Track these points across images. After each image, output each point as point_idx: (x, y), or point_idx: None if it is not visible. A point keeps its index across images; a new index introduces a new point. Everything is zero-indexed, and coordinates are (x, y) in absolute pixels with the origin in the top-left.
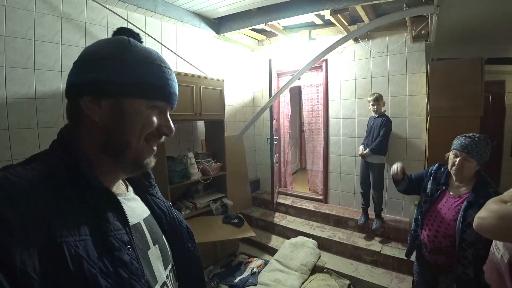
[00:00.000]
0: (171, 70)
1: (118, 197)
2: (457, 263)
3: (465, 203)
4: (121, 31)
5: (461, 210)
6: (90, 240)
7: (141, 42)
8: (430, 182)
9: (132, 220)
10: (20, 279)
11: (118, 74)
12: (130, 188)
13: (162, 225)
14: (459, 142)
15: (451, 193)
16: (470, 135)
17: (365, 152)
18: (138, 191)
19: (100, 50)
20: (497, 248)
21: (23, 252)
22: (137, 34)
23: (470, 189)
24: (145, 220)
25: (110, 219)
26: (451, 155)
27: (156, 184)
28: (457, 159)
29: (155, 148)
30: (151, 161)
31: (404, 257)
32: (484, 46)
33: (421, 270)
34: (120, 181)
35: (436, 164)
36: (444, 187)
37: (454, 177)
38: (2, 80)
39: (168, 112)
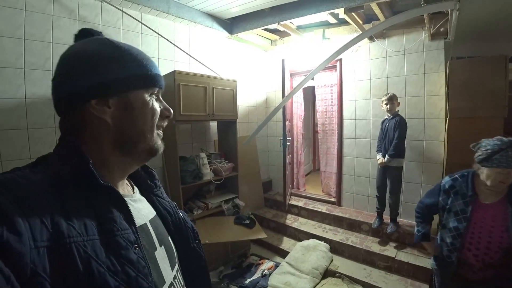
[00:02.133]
0: (144, 54)
1: (125, 198)
2: None
3: (510, 209)
4: (85, 33)
5: (510, 217)
6: (98, 240)
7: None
8: (452, 199)
9: (139, 221)
10: (30, 280)
11: (117, 71)
12: (136, 189)
13: (168, 226)
14: (504, 158)
15: (486, 202)
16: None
17: (385, 160)
18: (143, 192)
19: (91, 53)
20: None
21: (33, 253)
22: (100, 32)
23: (504, 193)
24: (151, 221)
25: (116, 219)
26: (493, 172)
27: (161, 185)
28: (502, 175)
29: (161, 132)
30: (162, 145)
31: (421, 265)
32: (507, 43)
33: (450, 285)
34: (126, 182)
35: (446, 178)
36: (473, 198)
37: (490, 188)
38: (22, 82)
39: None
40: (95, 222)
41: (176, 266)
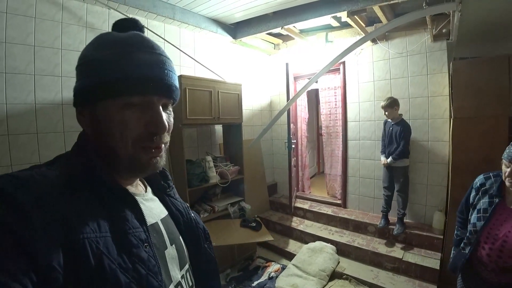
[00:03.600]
0: (141, 50)
1: (137, 197)
2: None
3: None
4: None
5: None
6: (110, 237)
7: (124, 30)
8: (479, 196)
9: (150, 220)
10: (45, 272)
11: (88, 78)
12: (149, 189)
13: (179, 226)
14: (507, 151)
15: (510, 207)
16: None
17: (388, 161)
18: (156, 192)
19: (83, 55)
20: None
21: (48, 247)
22: (142, 26)
23: None
24: (162, 220)
25: (128, 218)
26: (503, 165)
27: (173, 186)
28: (508, 169)
29: (157, 148)
30: (157, 161)
31: (428, 265)
32: (510, 43)
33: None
34: (139, 182)
35: (480, 176)
36: (498, 200)
37: (510, 188)
38: (32, 88)
39: (158, 104)
40: (108, 220)
41: (186, 266)
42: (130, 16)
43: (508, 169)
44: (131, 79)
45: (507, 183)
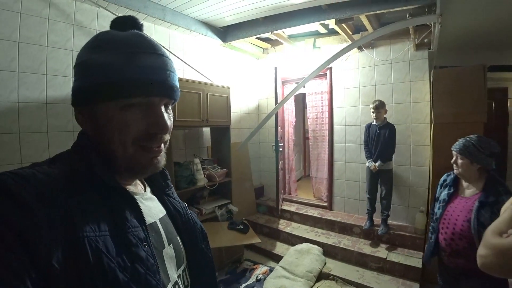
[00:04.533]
0: (143, 52)
1: (136, 196)
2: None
3: (476, 203)
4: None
5: (473, 211)
6: (109, 236)
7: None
8: (441, 190)
9: (149, 219)
10: (44, 269)
11: (88, 79)
12: (148, 188)
13: (177, 226)
14: (455, 144)
15: (462, 195)
16: (466, 137)
17: (377, 165)
18: (155, 191)
19: (82, 53)
20: None
21: (49, 244)
22: (141, 24)
23: (480, 189)
24: (161, 219)
25: (127, 217)
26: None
27: (172, 185)
28: (454, 158)
29: (157, 149)
30: (158, 161)
31: (411, 264)
32: (486, 53)
33: (443, 275)
34: (138, 181)
35: (444, 174)
36: (452, 190)
37: (457, 175)
38: (15, 85)
39: (159, 105)
40: (108, 219)
41: (183, 266)
42: (120, 15)
43: (454, 158)
44: (134, 82)
45: (454, 171)
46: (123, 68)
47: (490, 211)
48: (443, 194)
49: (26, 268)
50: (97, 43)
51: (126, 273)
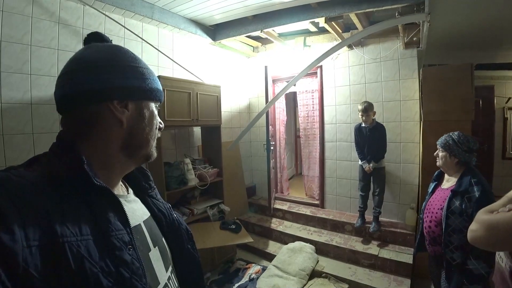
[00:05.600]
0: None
1: (119, 198)
2: (445, 248)
3: (450, 193)
4: (95, 37)
5: (447, 200)
6: (92, 240)
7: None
8: (430, 184)
9: (133, 222)
10: (22, 278)
11: (139, 81)
12: (131, 190)
13: (162, 227)
14: (439, 139)
15: (442, 187)
16: (449, 132)
17: (371, 166)
18: (137, 193)
19: (117, 58)
20: (501, 257)
21: (25, 252)
22: (111, 40)
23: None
24: (145, 222)
25: (111, 220)
26: None
27: (155, 186)
28: (435, 152)
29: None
30: (156, 153)
31: (402, 260)
32: (473, 52)
33: (431, 266)
34: (120, 183)
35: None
36: (436, 183)
37: (440, 167)
38: None
39: None
40: (90, 222)
41: (170, 268)
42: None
43: (436, 151)
44: (160, 91)
45: (437, 163)
46: (157, 82)
47: (460, 199)
48: (430, 186)
49: (0, 279)
50: (128, 54)
51: (110, 278)
